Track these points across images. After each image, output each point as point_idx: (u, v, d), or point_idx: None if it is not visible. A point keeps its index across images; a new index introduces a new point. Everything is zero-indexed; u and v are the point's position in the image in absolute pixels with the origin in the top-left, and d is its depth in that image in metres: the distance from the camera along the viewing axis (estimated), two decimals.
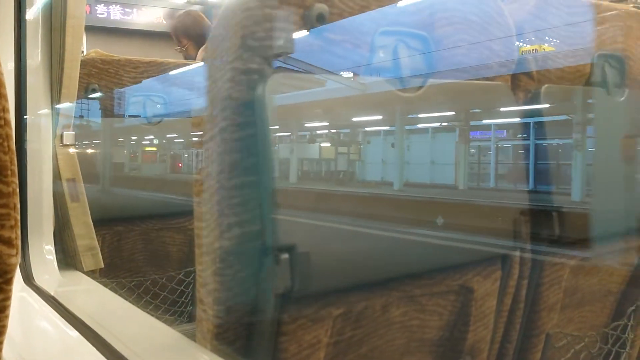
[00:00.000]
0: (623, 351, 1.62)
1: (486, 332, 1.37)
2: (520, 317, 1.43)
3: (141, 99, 2.45)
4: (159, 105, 2.47)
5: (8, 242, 0.51)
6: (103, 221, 2.06)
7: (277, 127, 1.07)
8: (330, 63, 1.15)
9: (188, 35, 3.75)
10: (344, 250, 1.19)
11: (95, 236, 1.84)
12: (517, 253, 1.40)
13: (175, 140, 3.90)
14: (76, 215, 1.81)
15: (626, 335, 1.63)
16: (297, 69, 1.07)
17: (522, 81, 1.42)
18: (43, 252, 1.74)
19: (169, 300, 2.17)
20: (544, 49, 1.47)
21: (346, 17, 1.11)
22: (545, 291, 1.44)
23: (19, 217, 0.52)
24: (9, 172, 0.51)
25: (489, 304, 1.36)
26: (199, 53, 3.57)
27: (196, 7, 7.32)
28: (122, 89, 2.31)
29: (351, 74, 1.21)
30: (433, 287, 1.28)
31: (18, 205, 0.52)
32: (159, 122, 2.53)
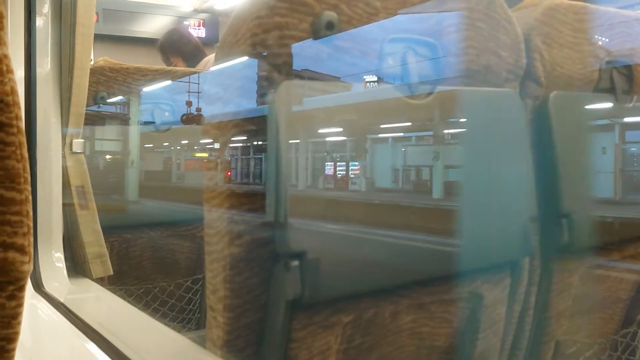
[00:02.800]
0: (633, 358, 1.61)
1: (496, 339, 1.37)
2: (529, 324, 1.42)
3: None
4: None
5: (21, 250, 0.51)
6: (111, 229, 2.06)
7: (409, 124, 1.00)
8: None
9: (175, 51, 3.74)
10: (354, 257, 1.19)
11: (104, 243, 1.85)
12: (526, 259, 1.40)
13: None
14: (85, 222, 1.82)
15: (636, 342, 1.62)
16: None
17: None
18: (53, 260, 1.75)
19: (177, 307, 2.18)
20: None
21: (355, 24, 1.11)
22: (555, 298, 1.43)
23: (31, 225, 0.52)
24: (22, 180, 0.51)
25: (498, 311, 1.35)
26: (197, 67, 3.57)
27: (203, 16, 7.35)
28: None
29: None
30: (442, 294, 1.28)
31: (31, 213, 0.52)
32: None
